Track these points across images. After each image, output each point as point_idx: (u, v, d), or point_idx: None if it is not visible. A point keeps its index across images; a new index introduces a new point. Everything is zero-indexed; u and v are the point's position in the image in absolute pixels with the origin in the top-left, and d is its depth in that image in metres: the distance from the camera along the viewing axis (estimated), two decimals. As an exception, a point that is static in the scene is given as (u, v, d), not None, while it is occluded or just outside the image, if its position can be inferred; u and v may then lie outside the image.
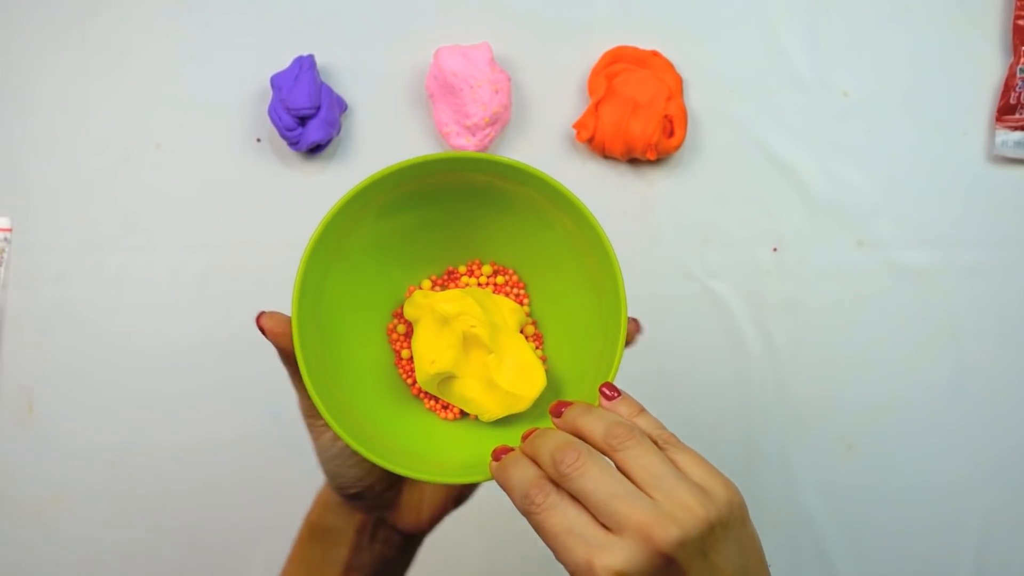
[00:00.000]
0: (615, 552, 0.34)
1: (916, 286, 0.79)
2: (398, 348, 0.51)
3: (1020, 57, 0.79)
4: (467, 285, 0.51)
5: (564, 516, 0.36)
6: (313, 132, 0.77)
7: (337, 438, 0.46)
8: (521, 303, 0.51)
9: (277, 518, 0.79)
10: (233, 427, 0.79)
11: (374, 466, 0.45)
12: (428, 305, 0.48)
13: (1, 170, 0.82)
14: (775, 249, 0.80)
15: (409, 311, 0.50)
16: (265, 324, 0.45)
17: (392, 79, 0.81)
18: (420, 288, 0.52)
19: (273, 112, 0.78)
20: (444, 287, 0.52)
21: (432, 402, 0.50)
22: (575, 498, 0.36)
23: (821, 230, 0.80)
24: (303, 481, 0.79)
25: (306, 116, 0.77)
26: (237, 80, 0.81)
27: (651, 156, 0.78)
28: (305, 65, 0.78)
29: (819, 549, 0.78)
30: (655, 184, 0.80)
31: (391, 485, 0.48)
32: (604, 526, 0.35)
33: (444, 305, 0.47)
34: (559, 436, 0.38)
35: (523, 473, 0.37)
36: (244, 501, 0.79)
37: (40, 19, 0.82)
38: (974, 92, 0.80)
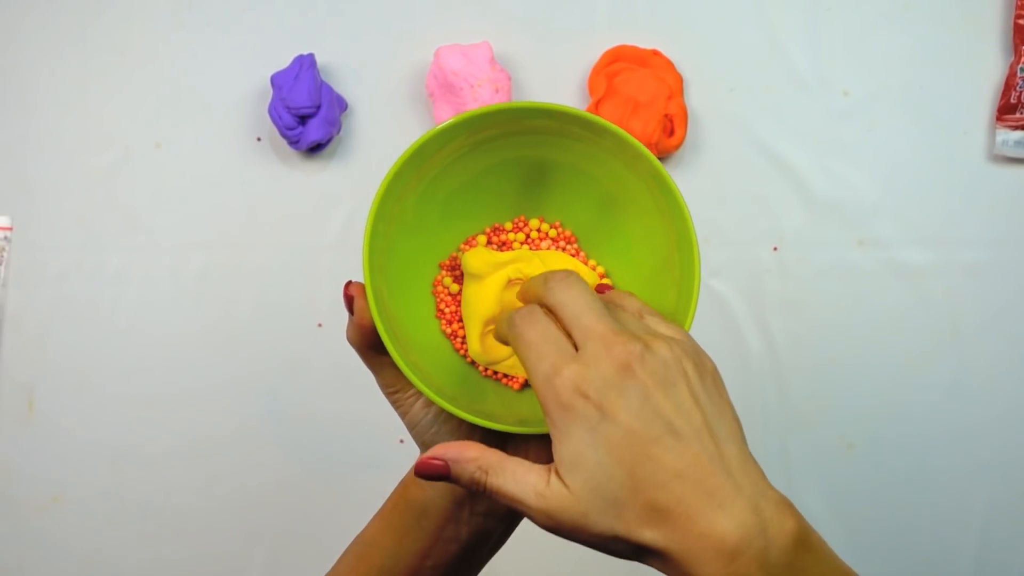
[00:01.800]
0: (579, 361, 0.36)
1: (916, 286, 0.79)
2: (447, 311, 0.49)
3: (1020, 56, 0.79)
4: (514, 243, 0.49)
5: (541, 327, 0.38)
6: (313, 131, 0.77)
7: (427, 407, 0.44)
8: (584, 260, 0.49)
9: (277, 518, 0.79)
10: (233, 426, 0.79)
11: (473, 430, 0.44)
12: (484, 265, 0.46)
13: (2, 169, 0.82)
14: (775, 248, 0.80)
15: (469, 269, 0.48)
16: (355, 291, 0.43)
17: (392, 78, 0.81)
18: (474, 244, 0.49)
19: (273, 111, 0.78)
20: (499, 244, 0.50)
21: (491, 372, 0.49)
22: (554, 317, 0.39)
23: (821, 230, 0.80)
24: (303, 480, 0.80)
25: (306, 115, 0.77)
26: (237, 79, 0.81)
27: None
28: (305, 64, 0.78)
29: (819, 549, 0.78)
30: (655, 184, 0.80)
31: (494, 442, 0.45)
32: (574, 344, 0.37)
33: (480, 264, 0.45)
34: (556, 270, 0.41)
35: (516, 309, 0.40)
36: (244, 500, 0.79)
37: (41, 19, 0.83)
38: (974, 91, 0.81)
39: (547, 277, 0.40)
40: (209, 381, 0.80)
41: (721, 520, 0.34)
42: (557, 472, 0.36)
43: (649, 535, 0.35)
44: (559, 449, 0.36)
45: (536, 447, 0.45)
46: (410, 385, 0.43)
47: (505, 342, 0.41)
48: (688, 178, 0.80)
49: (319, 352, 0.79)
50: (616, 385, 0.35)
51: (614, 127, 0.43)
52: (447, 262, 0.49)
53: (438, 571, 0.47)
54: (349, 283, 0.43)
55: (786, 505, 0.35)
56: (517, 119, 0.44)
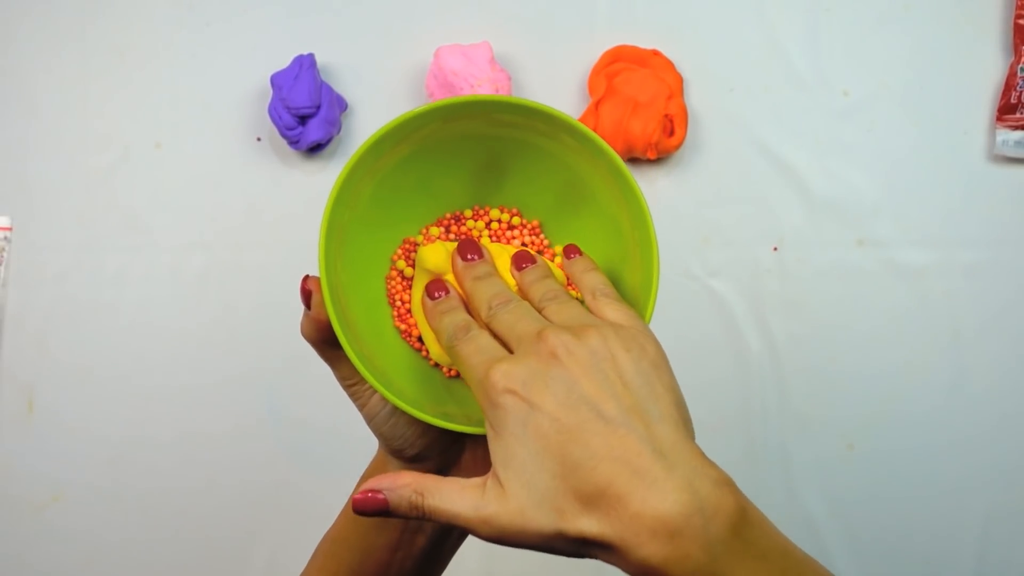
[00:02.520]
0: (508, 360, 0.37)
1: (916, 286, 0.79)
2: (398, 307, 0.49)
3: (1020, 56, 0.79)
4: (473, 231, 0.49)
5: (476, 342, 0.39)
6: (313, 131, 0.77)
7: (384, 399, 0.44)
8: (541, 250, 0.48)
9: (277, 517, 0.79)
10: (233, 426, 0.79)
11: (429, 426, 0.43)
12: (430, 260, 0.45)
13: (2, 169, 0.82)
14: (775, 248, 0.80)
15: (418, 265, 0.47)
16: (312, 286, 0.43)
17: (392, 78, 0.81)
18: (428, 239, 0.48)
19: (273, 111, 0.78)
20: (456, 235, 0.49)
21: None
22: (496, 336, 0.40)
23: (821, 230, 0.80)
24: (303, 480, 0.80)
25: (306, 115, 0.77)
26: (237, 79, 0.81)
27: (651, 155, 0.78)
28: (305, 64, 0.78)
29: (819, 549, 0.78)
30: (655, 183, 0.80)
31: (452, 441, 0.46)
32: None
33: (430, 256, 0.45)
34: (499, 284, 0.42)
35: (452, 320, 0.41)
36: (244, 500, 0.79)
37: (41, 19, 0.83)
38: (974, 92, 0.80)
39: (490, 303, 0.40)
40: (209, 380, 0.80)
41: (653, 499, 0.33)
42: (495, 474, 0.36)
43: (585, 524, 0.34)
44: (493, 449, 0.36)
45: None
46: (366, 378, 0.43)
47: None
48: (688, 178, 0.80)
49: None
50: (542, 375, 0.35)
51: (572, 120, 0.42)
52: (399, 253, 0.48)
53: (408, 562, 0.47)
54: (307, 277, 0.43)
55: (724, 482, 0.34)
56: (480, 112, 0.44)
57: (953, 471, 0.78)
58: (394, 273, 0.48)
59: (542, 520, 0.35)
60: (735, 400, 0.79)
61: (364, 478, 0.48)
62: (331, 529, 0.49)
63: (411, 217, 0.48)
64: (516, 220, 0.49)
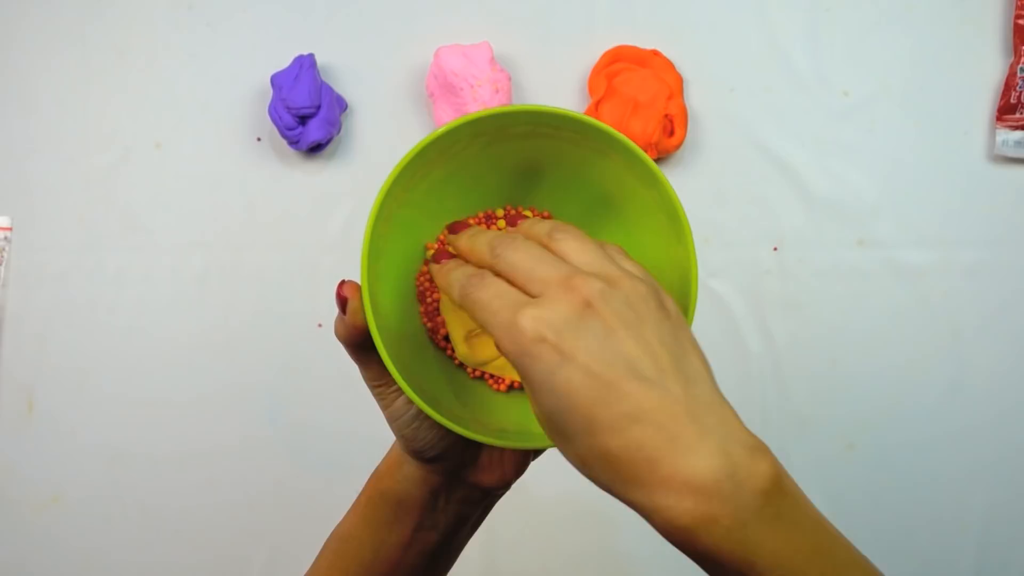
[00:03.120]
0: (537, 305, 0.34)
1: (916, 286, 0.79)
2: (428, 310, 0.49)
3: (1020, 57, 0.79)
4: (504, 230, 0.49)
5: (493, 286, 0.36)
6: (313, 131, 0.77)
7: (409, 402, 0.43)
8: None
9: (277, 517, 0.79)
10: (233, 426, 0.79)
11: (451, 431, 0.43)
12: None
13: (2, 169, 0.82)
14: (775, 249, 0.80)
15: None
16: (348, 292, 0.42)
17: (392, 78, 0.81)
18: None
19: (273, 111, 0.78)
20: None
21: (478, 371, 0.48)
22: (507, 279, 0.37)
23: (821, 230, 0.80)
24: (303, 481, 0.80)
25: (306, 115, 0.77)
26: (237, 80, 0.81)
27: (651, 155, 0.78)
28: (305, 64, 0.78)
29: (819, 549, 0.78)
30: (655, 184, 0.80)
31: (469, 443, 0.44)
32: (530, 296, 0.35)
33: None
34: (497, 232, 0.39)
35: (462, 271, 0.38)
36: (244, 500, 0.79)
37: (41, 19, 0.83)
38: (974, 92, 0.81)
39: (492, 243, 0.38)
40: (209, 381, 0.80)
41: (686, 464, 0.32)
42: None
43: (609, 481, 0.33)
44: (530, 400, 0.35)
45: (511, 454, 0.45)
46: (394, 380, 0.42)
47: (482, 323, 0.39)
48: (688, 178, 0.80)
49: (319, 352, 0.79)
50: (575, 325, 0.33)
51: (609, 128, 0.42)
52: (432, 252, 0.48)
53: (419, 559, 0.47)
54: (343, 283, 0.42)
55: (759, 448, 0.33)
56: (514, 122, 0.44)
57: (953, 471, 0.78)
58: (424, 269, 0.48)
59: (573, 465, 0.35)
60: (735, 400, 0.78)
61: (377, 473, 0.48)
62: (340, 526, 0.49)
63: (444, 216, 0.48)
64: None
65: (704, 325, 0.79)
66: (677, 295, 0.43)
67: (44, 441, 0.80)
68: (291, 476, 0.79)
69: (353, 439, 0.79)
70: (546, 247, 0.37)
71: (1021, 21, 0.79)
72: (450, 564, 0.50)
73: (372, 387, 0.45)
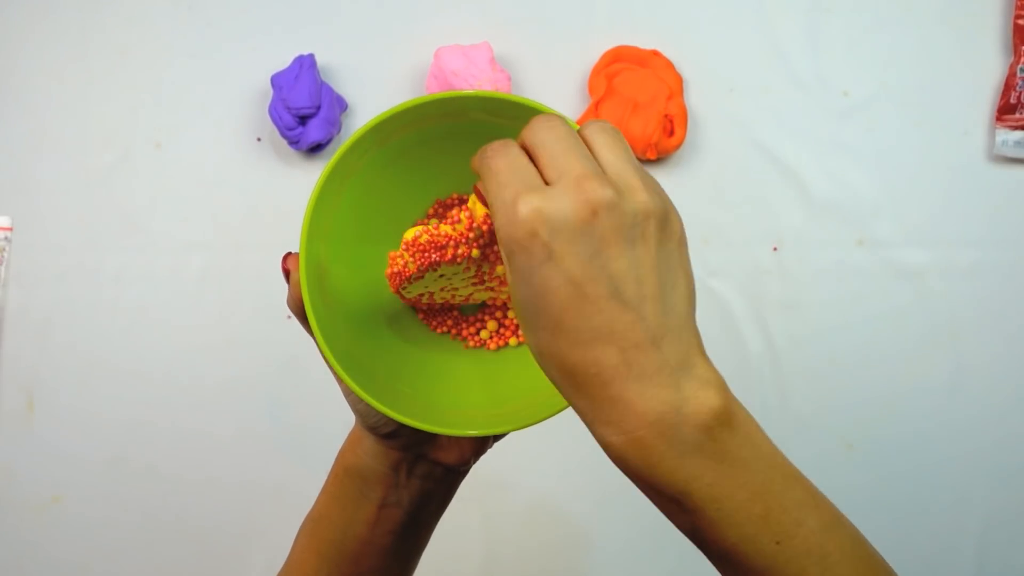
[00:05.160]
0: (544, 194, 0.33)
1: (916, 286, 0.79)
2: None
3: (1020, 57, 0.79)
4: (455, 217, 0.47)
5: (511, 156, 0.35)
6: (313, 131, 0.77)
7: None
8: None
9: (277, 517, 0.79)
10: (233, 426, 0.79)
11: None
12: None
13: (1, 170, 0.82)
14: (775, 249, 0.80)
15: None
16: (291, 264, 0.42)
17: (392, 78, 0.81)
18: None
19: (273, 111, 0.78)
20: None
21: (449, 324, 0.49)
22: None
23: (821, 230, 0.80)
24: (303, 480, 0.79)
25: (306, 115, 0.77)
26: (237, 79, 0.81)
27: (651, 155, 0.78)
28: (305, 64, 0.78)
29: (819, 549, 0.78)
30: (655, 184, 0.80)
31: None
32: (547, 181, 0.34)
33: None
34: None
35: (495, 144, 0.36)
36: (244, 500, 0.79)
37: (41, 19, 0.83)
38: (974, 92, 0.81)
39: (532, 120, 0.36)
40: (209, 380, 0.80)
41: (632, 390, 0.32)
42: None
43: (560, 383, 0.34)
44: (508, 281, 0.34)
45: (467, 441, 0.46)
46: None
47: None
48: (688, 178, 0.80)
49: (319, 352, 0.79)
50: (573, 228, 0.32)
51: (547, 108, 0.41)
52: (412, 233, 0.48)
53: (388, 538, 0.47)
54: (287, 255, 0.43)
55: (714, 384, 0.33)
56: (474, 107, 0.44)
57: (953, 470, 0.78)
58: (399, 251, 0.48)
59: (529, 350, 0.35)
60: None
61: (341, 450, 0.49)
62: (312, 509, 0.50)
63: (409, 207, 0.49)
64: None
65: (704, 325, 0.79)
66: None
67: (44, 441, 0.80)
68: (291, 476, 0.79)
69: (353, 439, 0.79)
70: (583, 138, 0.36)
71: (1021, 21, 0.79)
72: (420, 545, 0.50)
73: (327, 361, 0.45)
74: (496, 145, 0.35)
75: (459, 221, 0.44)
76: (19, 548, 0.79)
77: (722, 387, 0.34)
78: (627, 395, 0.32)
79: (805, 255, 0.80)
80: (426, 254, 0.44)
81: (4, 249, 0.81)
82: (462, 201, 0.49)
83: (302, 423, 0.80)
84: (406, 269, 0.45)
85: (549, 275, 0.32)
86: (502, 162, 0.34)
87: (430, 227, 0.45)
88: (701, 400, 0.33)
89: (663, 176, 0.80)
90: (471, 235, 0.42)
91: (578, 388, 0.33)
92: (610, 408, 0.32)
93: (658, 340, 0.33)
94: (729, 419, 0.33)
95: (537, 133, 0.35)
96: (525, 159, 0.35)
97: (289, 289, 0.43)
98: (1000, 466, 0.78)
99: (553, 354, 0.33)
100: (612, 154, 0.35)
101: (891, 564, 0.43)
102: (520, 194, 0.33)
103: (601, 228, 0.33)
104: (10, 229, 0.81)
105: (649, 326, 0.33)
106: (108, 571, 0.79)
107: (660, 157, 0.79)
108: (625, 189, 0.33)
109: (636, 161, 0.35)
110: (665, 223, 0.34)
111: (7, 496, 0.79)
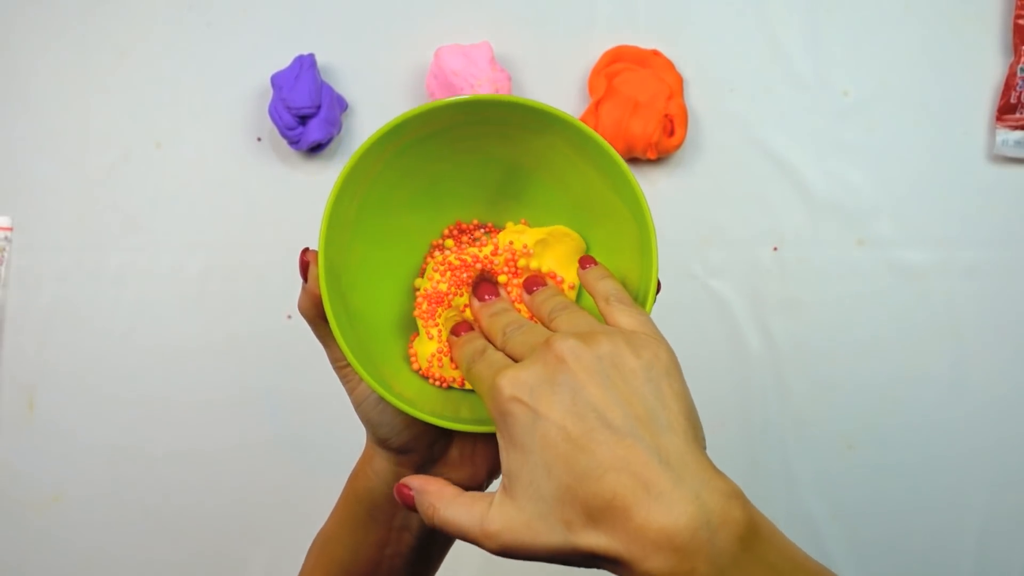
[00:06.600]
0: (515, 367, 0.37)
1: (916, 286, 0.79)
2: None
3: (1020, 56, 0.79)
4: (485, 246, 0.49)
5: (489, 359, 0.40)
6: (314, 131, 0.77)
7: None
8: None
9: (277, 518, 0.79)
10: (233, 426, 0.79)
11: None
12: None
13: (2, 169, 0.82)
14: (775, 248, 0.80)
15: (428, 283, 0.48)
16: (311, 258, 0.43)
17: (393, 78, 0.81)
18: (442, 248, 0.49)
19: (274, 111, 0.78)
20: (466, 240, 0.50)
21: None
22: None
23: (821, 230, 0.80)
24: (303, 480, 0.80)
25: (307, 115, 0.77)
26: (237, 79, 0.81)
27: (651, 155, 0.78)
28: (306, 64, 0.78)
29: (819, 549, 0.78)
30: (656, 183, 0.80)
31: (440, 436, 0.45)
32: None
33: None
34: (514, 315, 0.43)
35: (472, 347, 0.42)
36: (244, 500, 0.79)
37: (40, 18, 0.82)
38: (974, 92, 0.81)
39: (504, 328, 0.41)
40: (209, 380, 0.80)
41: (658, 512, 0.32)
42: (505, 485, 0.36)
43: (592, 537, 0.34)
44: (503, 459, 0.36)
45: (484, 439, 0.46)
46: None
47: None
48: (688, 178, 0.80)
49: (320, 352, 0.79)
50: (548, 382, 0.35)
51: (570, 117, 0.42)
52: (432, 246, 0.49)
53: (398, 560, 0.47)
54: (306, 249, 0.43)
55: (733, 494, 0.33)
56: (493, 111, 0.44)
57: (953, 470, 0.78)
58: (424, 265, 0.49)
59: (550, 534, 0.35)
60: (735, 400, 0.79)
61: (352, 474, 0.49)
62: (323, 528, 0.50)
63: (430, 218, 0.49)
64: (521, 243, 0.49)
65: (704, 325, 0.80)
66: (640, 277, 0.44)
67: (44, 441, 0.80)
68: (291, 476, 0.79)
69: (353, 439, 0.79)
70: (546, 325, 0.41)
71: (1021, 21, 0.79)
72: (434, 567, 0.50)
73: (337, 368, 0.45)
74: (476, 355, 0.41)
75: (486, 244, 0.48)
76: (19, 548, 0.79)
77: (742, 496, 0.34)
78: (654, 519, 0.33)
79: (805, 255, 0.80)
80: (457, 272, 0.47)
81: (4, 249, 0.81)
82: (480, 227, 0.50)
83: (303, 423, 0.80)
84: (436, 289, 0.46)
85: (543, 430, 0.35)
86: (482, 364, 0.40)
87: (453, 250, 0.48)
88: (727, 513, 0.33)
89: (663, 176, 0.80)
90: (497, 259, 0.46)
91: (607, 527, 0.33)
92: (644, 539, 0.33)
93: (664, 459, 0.34)
94: (756, 529, 0.34)
95: (511, 345, 0.40)
96: (500, 355, 0.40)
97: (303, 289, 0.43)
98: (1000, 466, 0.78)
99: (575, 498, 0.34)
100: (572, 322, 0.40)
101: (891, 563, 0.44)
102: (496, 373, 0.36)
103: (572, 371, 0.35)
104: (10, 229, 0.81)
105: (648, 446, 0.34)
106: (108, 571, 0.79)
107: (660, 157, 0.79)
108: (584, 337, 0.36)
109: (622, 296, 0.41)
110: (643, 354, 0.36)
111: (7, 496, 0.80)
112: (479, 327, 0.45)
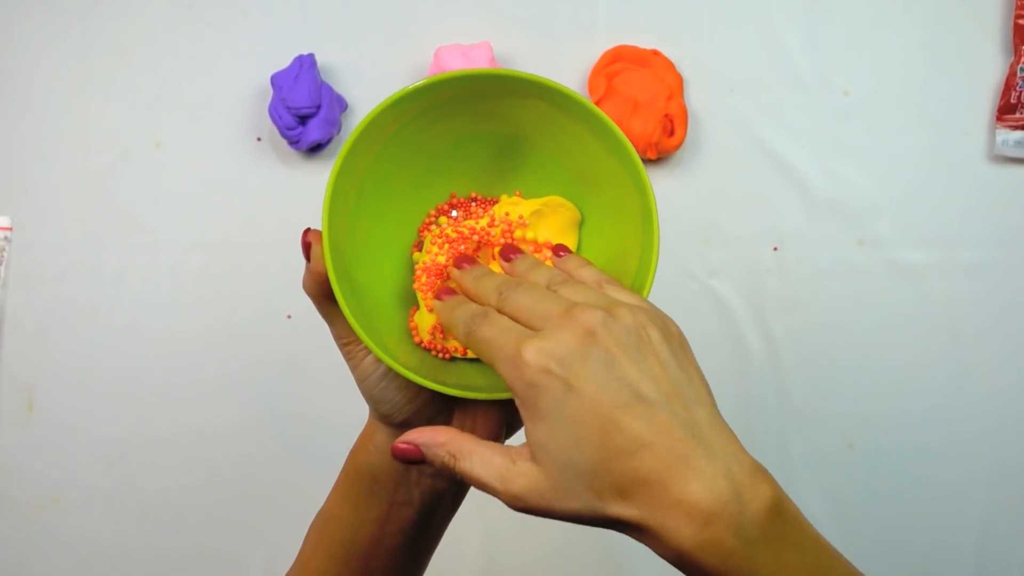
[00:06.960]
0: (541, 337, 0.35)
1: (916, 286, 0.79)
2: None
3: (1020, 56, 0.79)
4: (480, 219, 0.49)
5: (497, 324, 0.38)
6: (313, 131, 0.77)
7: (378, 361, 0.44)
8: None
9: (277, 516, 0.79)
10: (233, 426, 0.79)
11: (421, 389, 0.44)
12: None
13: (2, 169, 0.82)
14: (775, 248, 0.80)
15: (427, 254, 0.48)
16: (313, 238, 0.43)
17: (392, 78, 0.81)
18: (437, 222, 0.49)
19: (273, 111, 0.78)
20: (466, 211, 0.50)
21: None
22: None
23: (821, 230, 0.80)
24: (303, 480, 0.80)
25: (306, 115, 0.77)
26: (237, 79, 0.81)
27: (652, 155, 0.78)
28: (305, 64, 0.78)
29: (819, 549, 0.78)
30: (656, 183, 0.80)
31: (440, 411, 0.46)
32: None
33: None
34: (503, 276, 0.42)
35: (465, 309, 0.40)
36: (244, 500, 0.79)
37: (40, 18, 0.83)
38: (974, 91, 0.81)
39: (499, 287, 0.40)
40: (209, 380, 0.80)
41: (694, 486, 0.33)
42: (531, 453, 0.36)
43: (622, 508, 0.34)
44: (530, 429, 0.36)
45: (484, 410, 0.46)
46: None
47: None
48: (688, 178, 0.80)
49: (319, 351, 0.79)
50: (580, 355, 0.34)
51: (574, 93, 0.43)
52: (425, 222, 0.49)
53: (398, 537, 0.47)
54: (308, 230, 0.43)
55: (761, 471, 0.34)
56: (490, 85, 0.45)
57: (953, 470, 0.78)
58: (419, 239, 0.49)
59: (577, 502, 0.35)
60: (735, 399, 0.79)
61: (352, 449, 0.49)
62: (322, 508, 0.50)
63: (428, 193, 0.49)
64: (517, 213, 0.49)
65: (704, 325, 0.80)
66: (637, 267, 0.44)
67: (44, 441, 0.80)
68: (292, 476, 0.79)
69: (354, 437, 0.79)
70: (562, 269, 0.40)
71: (1021, 21, 0.79)
72: (431, 546, 0.50)
73: (341, 345, 0.45)
74: (476, 319, 0.39)
75: (482, 217, 0.47)
76: (19, 548, 0.79)
77: (768, 473, 0.35)
78: (690, 492, 0.33)
79: (805, 255, 0.80)
80: (455, 244, 0.46)
81: (4, 249, 0.81)
82: (476, 200, 0.50)
83: (303, 423, 0.80)
84: (435, 262, 0.46)
85: (576, 403, 0.34)
86: (490, 329, 0.38)
87: (450, 223, 0.47)
88: (755, 489, 0.34)
89: (663, 176, 0.80)
90: (493, 230, 0.45)
91: (639, 499, 0.34)
92: (677, 511, 0.33)
93: (697, 433, 0.34)
94: (781, 505, 0.34)
95: (511, 299, 0.39)
96: (508, 320, 0.38)
97: (308, 267, 0.43)
98: (1000, 465, 0.78)
99: (607, 472, 0.34)
100: (583, 294, 0.38)
101: (892, 564, 0.44)
102: (519, 344, 0.35)
103: (603, 344, 0.35)
104: (10, 229, 0.81)
105: (683, 421, 0.34)
106: (108, 571, 0.79)
107: (660, 157, 0.79)
108: (608, 310, 0.36)
109: (609, 288, 0.39)
110: (661, 327, 0.36)
111: (7, 496, 0.80)
112: (466, 294, 0.43)
